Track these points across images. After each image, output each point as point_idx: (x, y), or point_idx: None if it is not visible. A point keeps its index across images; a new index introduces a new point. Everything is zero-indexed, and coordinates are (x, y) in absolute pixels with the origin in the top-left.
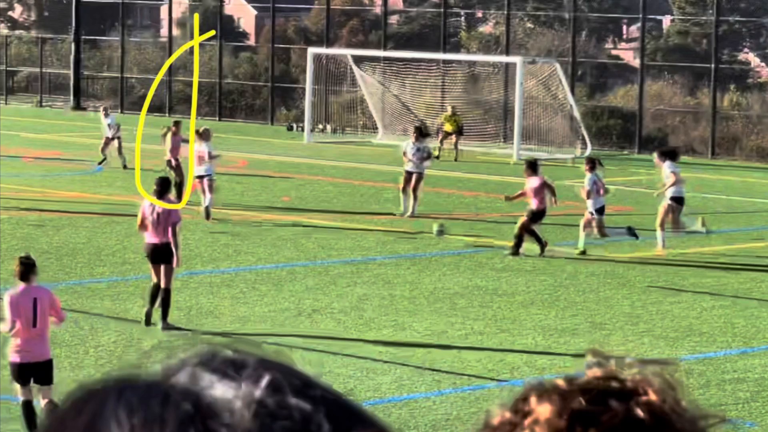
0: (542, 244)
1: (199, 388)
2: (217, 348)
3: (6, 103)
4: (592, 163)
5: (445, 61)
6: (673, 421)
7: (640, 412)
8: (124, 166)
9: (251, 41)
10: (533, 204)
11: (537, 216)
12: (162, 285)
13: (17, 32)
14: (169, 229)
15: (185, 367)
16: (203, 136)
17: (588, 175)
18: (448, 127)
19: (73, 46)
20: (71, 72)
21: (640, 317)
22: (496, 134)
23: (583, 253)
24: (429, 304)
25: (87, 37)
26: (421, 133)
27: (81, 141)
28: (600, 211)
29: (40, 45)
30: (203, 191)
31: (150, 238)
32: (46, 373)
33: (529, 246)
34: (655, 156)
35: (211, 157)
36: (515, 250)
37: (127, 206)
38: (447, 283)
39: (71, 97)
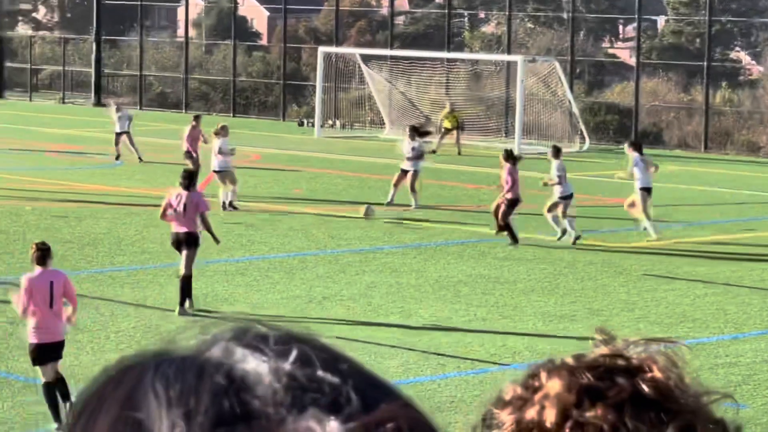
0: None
1: (232, 361)
2: (248, 324)
3: (30, 100)
4: (558, 150)
5: (449, 60)
6: (677, 396)
7: (645, 388)
8: (140, 159)
9: (264, 41)
10: (507, 193)
11: (512, 204)
12: (182, 272)
13: (41, 33)
14: (197, 219)
15: (218, 341)
16: (219, 132)
17: (555, 161)
18: (447, 124)
19: (94, 45)
20: (92, 70)
21: (636, 304)
22: (498, 129)
23: (578, 238)
24: (434, 292)
25: (107, 37)
26: (417, 132)
27: (102, 136)
28: (569, 197)
29: (62, 45)
30: (221, 184)
31: (176, 227)
32: (59, 351)
33: (530, 235)
34: (626, 146)
35: (222, 152)
36: (513, 240)
37: (145, 198)
38: (451, 272)
39: (92, 94)
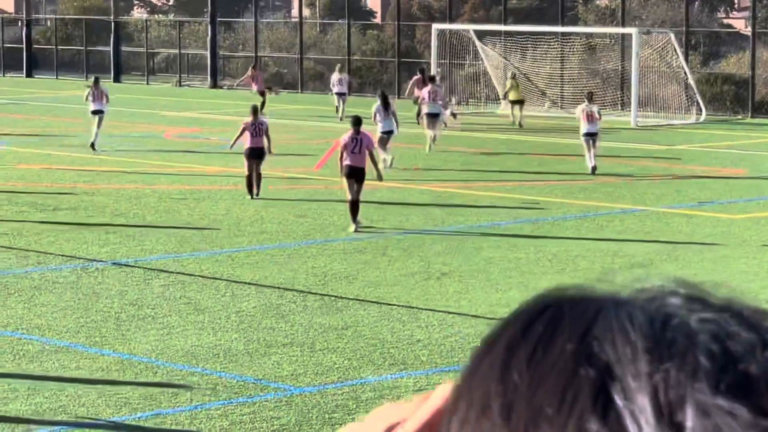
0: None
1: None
2: (680, 281)
3: (147, 84)
4: (384, 97)
5: (563, 34)
6: None
7: None
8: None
9: (378, 19)
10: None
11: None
12: (355, 198)
13: (156, 16)
14: (367, 153)
15: (671, 296)
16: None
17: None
18: (513, 96)
19: (209, 27)
20: (208, 52)
21: (757, 275)
22: (613, 102)
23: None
24: (552, 266)
25: (222, 19)
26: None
27: (219, 118)
28: (388, 133)
29: (178, 28)
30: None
31: (348, 161)
32: None
33: (648, 207)
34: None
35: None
36: None
37: (264, 179)
38: (569, 246)
39: (208, 77)
